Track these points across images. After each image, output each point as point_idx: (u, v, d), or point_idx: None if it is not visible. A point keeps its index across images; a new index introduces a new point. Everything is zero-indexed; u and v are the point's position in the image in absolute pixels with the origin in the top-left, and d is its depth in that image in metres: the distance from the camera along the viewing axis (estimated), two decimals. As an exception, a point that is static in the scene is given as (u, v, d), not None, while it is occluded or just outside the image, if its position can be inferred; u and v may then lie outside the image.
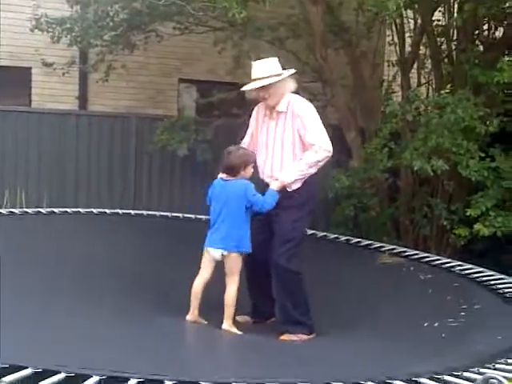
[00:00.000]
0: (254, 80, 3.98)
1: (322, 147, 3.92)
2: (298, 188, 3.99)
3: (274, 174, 4.02)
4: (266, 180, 4.08)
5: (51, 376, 2.43)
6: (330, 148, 3.95)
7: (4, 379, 2.37)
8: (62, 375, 2.46)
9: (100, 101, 8.76)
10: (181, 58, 8.87)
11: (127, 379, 2.45)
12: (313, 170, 3.94)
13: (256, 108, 4.22)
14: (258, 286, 4.16)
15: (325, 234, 6.22)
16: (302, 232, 4.09)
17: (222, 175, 3.96)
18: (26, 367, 2.49)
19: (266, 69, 3.97)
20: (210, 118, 8.47)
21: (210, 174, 7.89)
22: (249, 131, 4.28)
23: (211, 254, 3.91)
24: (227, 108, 8.72)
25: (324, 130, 3.99)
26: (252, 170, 3.99)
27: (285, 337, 3.93)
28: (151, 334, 3.30)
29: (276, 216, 3.99)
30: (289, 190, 3.96)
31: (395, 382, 2.59)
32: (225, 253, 3.87)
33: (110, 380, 2.48)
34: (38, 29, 7.16)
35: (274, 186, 3.92)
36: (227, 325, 3.84)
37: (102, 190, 8.10)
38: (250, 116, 4.29)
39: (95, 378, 2.45)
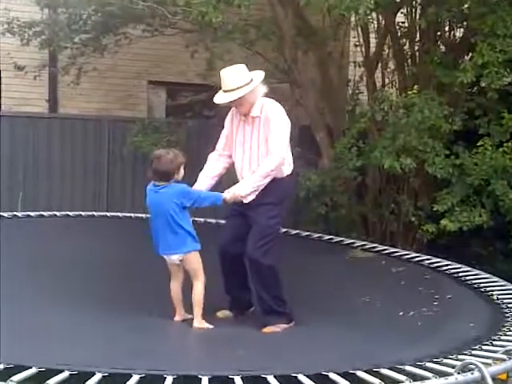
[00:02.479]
0: (225, 91, 4.06)
1: (277, 155, 4.05)
2: (275, 185, 4.11)
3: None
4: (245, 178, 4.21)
5: (56, 375, 2.54)
6: (283, 155, 4.09)
7: (13, 378, 2.46)
8: (65, 373, 2.56)
9: (70, 103, 8.74)
10: (150, 60, 8.92)
11: (130, 375, 2.56)
12: (267, 180, 4.05)
13: (231, 111, 4.31)
14: (234, 279, 4.31)
15: (297, 231, 6.41)
16: (277, 228, 4.24)
17: (154, 181, 4.01)
18: (31, 367, 2.59)
19: (235, 79, 4.03)
20: (180, 119, 8.55)
21: (184, 175, 8.11)
22: (223, 133, 4.38)
23: (170, 260, 4.01)
24: (198, 109, 8.82)
25: (287, 137, 4.12)
26: (183, 172, 4.10)
27: (267, 329, 4.08)
28: (146, 332, 3.41)
29: (252, 212, 4.13)
30: (244, 201, 4.07)
31: (382, 369, 2.76)
32: (180, 257, 3.99)
33: (112, 377, 2.60)
34: (9, 32, 7.14)
35: (227, 195, 4.03)
36: (198, 322, 3.96)
37: (75, 193, 8.11)
38: (222, 118, 4.43)
39: (98, 376, 2.56)
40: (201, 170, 7.32)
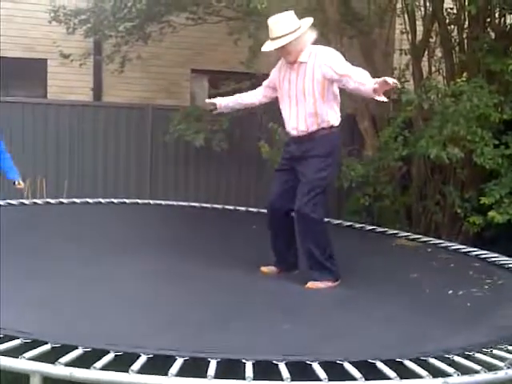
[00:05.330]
0: (272, 39, 3.98)
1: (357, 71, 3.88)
2: (323, 136, 4.05)
3: (299, 125, 4.07)
4: (292, 132, 4.16)
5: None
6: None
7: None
8: (111, 355, 2.57)
9: (114, 92, 8.84)
10: (193, 48, 8.93)
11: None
12: (369, 81, 3.77)
13: (280, 62, 4.23)
14: (281, 237, 4.28)
15: (340, 221, 6.36)
16: (326, 181, 4.15)
17: None
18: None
19: (281, 27, 3.94)
20: (223, 108, 8.54)
21: (226, 163, 8.13)
22: (266, 80, 4.35)
23: None
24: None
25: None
26: None
27: (311, 285, 4.03)
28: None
29: (300, 165, 4.08)
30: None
31: (429, 359, 2.69)
32: None
33: (155, 360, 2.60)
34: (56, 20, 7.24)
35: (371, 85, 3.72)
36: None
37: (118, 181, 8.20)
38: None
39: (143, 358, 2.57)
40: (243, 160, 7.41)
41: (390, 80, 3.66)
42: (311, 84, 4.00)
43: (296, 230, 4.21)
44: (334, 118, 4.10)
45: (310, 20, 4.08)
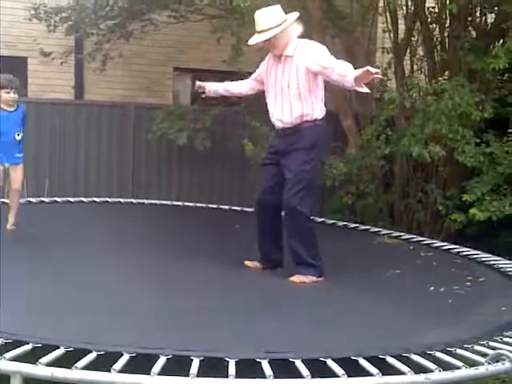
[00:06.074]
0: (259, 32, 4.06)
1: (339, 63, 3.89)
2: (307, 129, 4.08)
3: (284, 117, 4.11)
4: (277, 123, 4.21)
5: (84, 355, 2.52)
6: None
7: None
8: (93, 354, 2.55)
9: (95, 90, 8.77)
10: (175, 46, 8.90)
11: (158, 356, 2.54)
12: (351, 72, 3.77)
13: (267, 57, 4.29)
14: (268, 234, 4.29)
15: (323, 219, 6.37)
16: (312, 173, 4.19)
17: None
18: (58, 347, 2.59)
19: (268, 20, 4.02)
20: (205, 106, 8.52)
21: (209, 161, 8.10)
22: (255, 73, 4.43)
23: None
24: (223, 96, 8.77)
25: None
26: (6, 95, 4.90)
27: (295, 278, 4.06)
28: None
29: (285, 159, 4.11)
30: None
31: (412, 355, 2.70)
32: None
33: (138, 358, 2.58)
34: (36, 18, 7.17)
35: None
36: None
37: (101, 179, 8.14)
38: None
39: (126, 356, 2.54)
40: (226, 158, 7.38)
41: (373, 69, 3.69)
42: (296, 76, 4.04)
43: (284, 226, 4.22)
44: (318, 110, 4.14)
45: (295, 14, 4.14)
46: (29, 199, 6.35)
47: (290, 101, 4.07)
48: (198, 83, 4.65)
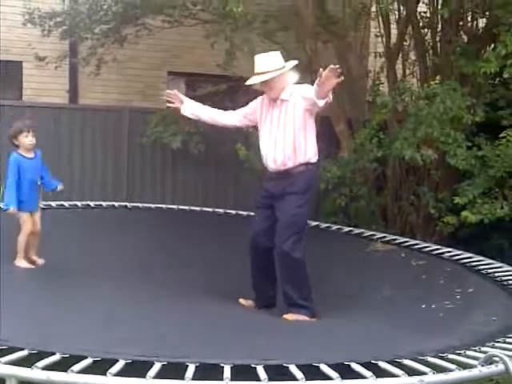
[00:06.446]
0: (257, 74, 4.17)
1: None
2: (300, 173, 4.15)
3: (277, 158, 4.17)
4: (270, 165, 4.24)
5: (79, 361, 2.55)
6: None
7: (37, 364, 2.48)
8: (89, 360, 2.58)
9: (90, 94, 8.79)
10: (170, 50, 8.93)
11: (152, 363, 2.57)
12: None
13: (262, 97, 4.37)
14: (262, 274, 4.33)
15: (317, 223, 6.41)
16: (305, 217, 4.24)
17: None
18: (54, 353, 2.61)
19: (267, 63, 4.15)
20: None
21: (203, 165, 8.14)
22: (244, 109, 4.45)
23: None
24: (217, 100, 8.81)
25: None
26: (26, 139, 4.80)
27: (288, 316, 4.09)
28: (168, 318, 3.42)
29: (278, 203, 4.16)
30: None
31: (404, 360, 2.74)
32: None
33: (134, 364, 2.61)
34: (31, 23, 7.19)
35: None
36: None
37: (95, 184, 8.15)
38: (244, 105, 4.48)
39: (121, 362, 2.58)
40: (220, 162, 7.35)
41: (332, 67, 3.73)
42: (292, 119, 4.13)
43: (276, 268, 4.26)
44: (311, 153, 4.21)
45: (294, 62, 4.28)
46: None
47: (284, 144, 4.14)
48: (169, 92, 4.55)
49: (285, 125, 4.15)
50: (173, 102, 4.55)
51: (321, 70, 3.78)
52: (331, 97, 3.96)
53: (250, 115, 4.42)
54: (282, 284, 4.21)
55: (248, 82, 4.25)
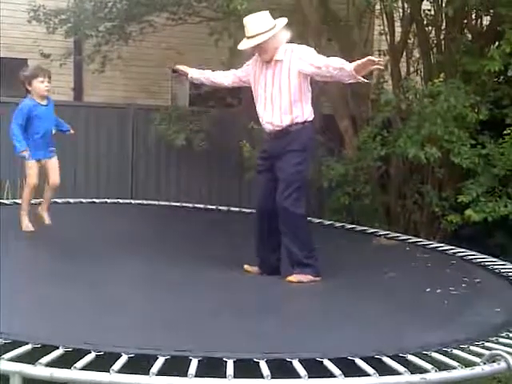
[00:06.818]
0: (248, 37, 4.12)
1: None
2: (297, 131, 4.14)
3: (274, 120, 4.16)
4: (267, 126, 4.24)
5: (82, 355, 2.57)
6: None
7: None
8: (92, 355, 2.59)
9: (95, 92, 8.83)
10: (174, 48, 8.93)
11: (156, 357, 2.59)
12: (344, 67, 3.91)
13: (255, 56, 4.31)
14: (266, 240, 4.32)
15: (320, 220, 6.44)
16: (304, 175, 4.27)
17: None
18: (57, 347, 2.63)
19: (257, 25, 4.09)
20: (204, 108, 8.59)
21: (207, 162, 8.16)
22: (239, 69, 4.46)
23: None
24: (221, 98, 8.83)
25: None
26: (41, 85, 4.57)
27: (292, 278, 4.11)
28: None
29: (278, 162, 4.16)
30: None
31: (408, 356, 2.75)
32: None
33: (137, 358, 2.63)
34: (36, 20, 7.22)
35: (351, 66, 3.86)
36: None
37: (100, 181, 8.18)
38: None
39: (125, 357, 2.59)
40: (224, 159, 7.36)
41: (375, 58, 3.83)
42: (287, 80, 4.11)
43: (280, 228, 4.25)
44: (307, 112, 4.20)
45: (284, 20, 4.21)
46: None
47: (280, 104, 4.13)
48: (177, 66, 4.72)
49: (280, 85, 4.11)
50: (182, 75, 4.72)
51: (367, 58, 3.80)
52: (364, 79, 3.95)
53: (243, 77, 4.41)
54: (286, 243, 4.20)
55: (240, 47, 4.21)
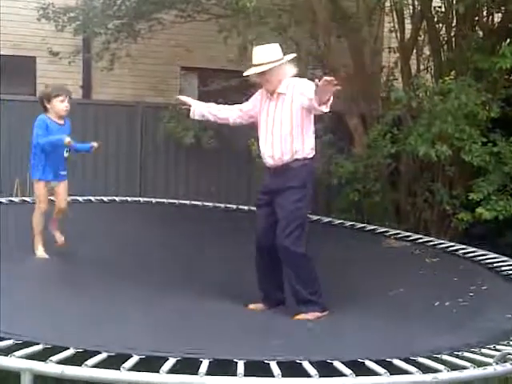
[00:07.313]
0: (255, 65, 4.10)
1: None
2: (298, 168, 4.10)
3: (275, 154, 4.12)
4: (268, 161, 4.19)
5: (93, 356, 2.56)
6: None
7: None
8: (103, 355, 2.59)
9: (103, 89, 8.83)
10: (183, 46, 8.93)
11: (166, 359, 2.57)
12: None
13: (261, 91, 4.30)
14: (267, 274, 4.27)
15: (330, 219, 6.40)
16: (304, 212, 4.21)
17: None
18: (68, 348, 2.62)
19: (265, 55, 4.09)
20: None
21: (216, 160, 8.14)
22: (245, 104, 4.37)
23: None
24: (230, 95, 8.79)
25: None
26: (60, 104, 4.47)
27: (299, 316, 4.04)
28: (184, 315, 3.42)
29: (278, 197, 4.12)
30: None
31: (419, 358, 2.73)
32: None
33: (149, 359, 2.62)
34: (45, 18, 7.23)
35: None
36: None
37: (108, 178, 8.18)
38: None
39: (135, 358, 2.58)
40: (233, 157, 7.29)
41: (328, 78, 3.68)
42: (289, 114, 4.07)
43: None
44: (308, 148, 4.15)
45: (292, 55, 4.23)
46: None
47: (280, 138, 4.09)
48: (182, 98, 4.54)
49: (281, 119, 4.09)
50: (186, 108, 4.51)
51: (316, 80, 3.73)
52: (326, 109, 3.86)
53: (249, 111, 4.36)
54: (289, 281, 4.17)
55: (245, 73, 4.20)
